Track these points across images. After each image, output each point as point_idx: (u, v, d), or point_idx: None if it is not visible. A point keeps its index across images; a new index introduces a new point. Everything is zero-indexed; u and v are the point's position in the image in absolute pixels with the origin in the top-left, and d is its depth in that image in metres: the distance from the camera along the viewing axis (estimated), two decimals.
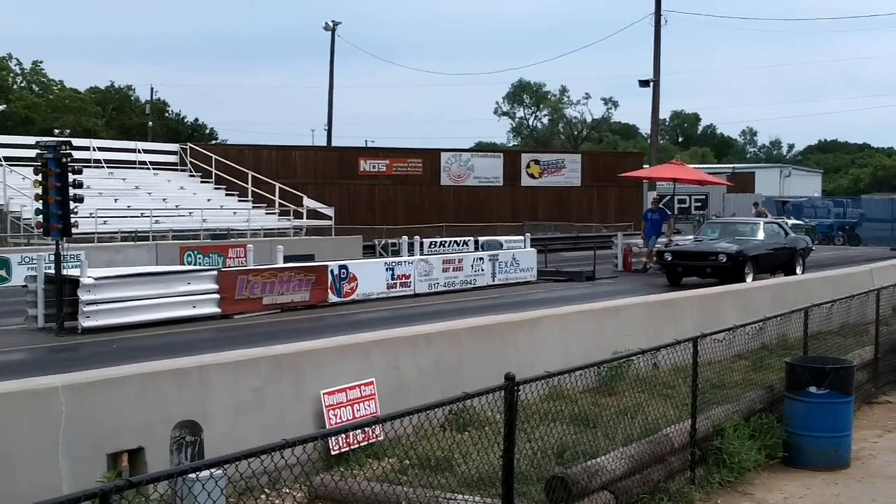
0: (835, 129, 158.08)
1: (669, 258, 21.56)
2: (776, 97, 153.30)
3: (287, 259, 19.06)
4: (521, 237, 26.32)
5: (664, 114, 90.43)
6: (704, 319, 11.99)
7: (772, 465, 7.95)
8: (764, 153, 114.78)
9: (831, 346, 10.89)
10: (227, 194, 36.73)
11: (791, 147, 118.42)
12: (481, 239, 28.13)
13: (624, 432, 7.31)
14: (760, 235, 22.25)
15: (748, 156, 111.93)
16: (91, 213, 26.56)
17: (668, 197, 29.44)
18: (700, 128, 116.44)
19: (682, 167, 30.61)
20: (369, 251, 29.67)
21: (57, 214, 14.27)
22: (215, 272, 16.86)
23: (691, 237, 25.98)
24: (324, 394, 7.68)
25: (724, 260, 20.47)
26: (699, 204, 41.62)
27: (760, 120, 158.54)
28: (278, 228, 34.33)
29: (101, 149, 37.23)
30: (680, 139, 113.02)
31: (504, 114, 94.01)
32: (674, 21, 54.43)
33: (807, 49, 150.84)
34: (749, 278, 20.02)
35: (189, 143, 41.61)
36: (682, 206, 39.87)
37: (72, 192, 14.35)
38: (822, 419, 7.99)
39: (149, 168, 37.54)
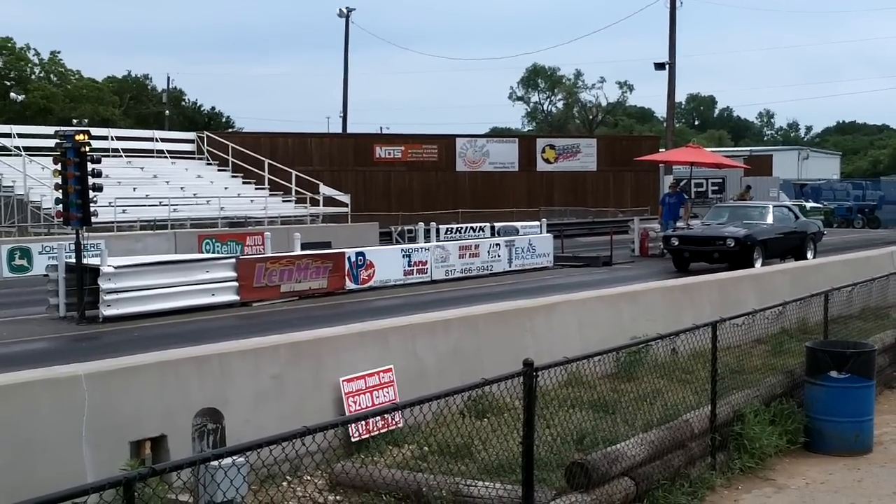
0: (853, 110, 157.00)
1: (676, 243, 21.21)
2: (793, 79, 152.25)
3: (304, 246, 19.13)
4: (537, 222, 26.27)
5: (680, 97, 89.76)
6: (723, 304, 11.94)
7: (793, 450, 7.92)
8: (781, 136, 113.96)
9: (852, 330, 10.82)
10: (243, 182, 36.86)
11: (809, 129, 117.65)
12: (497, 225, 28.13)
13: (643, 418, 7.30)
14: (769, 219, 21.75)
15: (765, 138, 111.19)
16: (110, 203, 26.70)
17: (685, 181, 29.19)
18: (716, 111, 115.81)
19: (699, 150, 30.37)
20: (386, 238, 29.71)
21: (76, 204, 14.34)
22: (233, 260, 16.95)
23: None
24: (343, 381, 7.71)
25: (733, 245, 20.08)
26: (716, 188, 41.34)
27: (777, 102, 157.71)
28: (295, 216, 34.42)
29: (119, 138, 37.44)
30: (696, 122, 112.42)
31: (519, 99, 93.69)
32: (689, 3, 54.07)
33: (824, 30, 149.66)
34: (758, 263, 19.70)
35: (206, 132, 41.76)
36: (699, 189, 39.57)
37: (91, 181, 14.41)
38: (843, 404, 7.93)
39: (166, 157, 37.72)
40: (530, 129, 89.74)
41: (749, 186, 32.66)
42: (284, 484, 6.53)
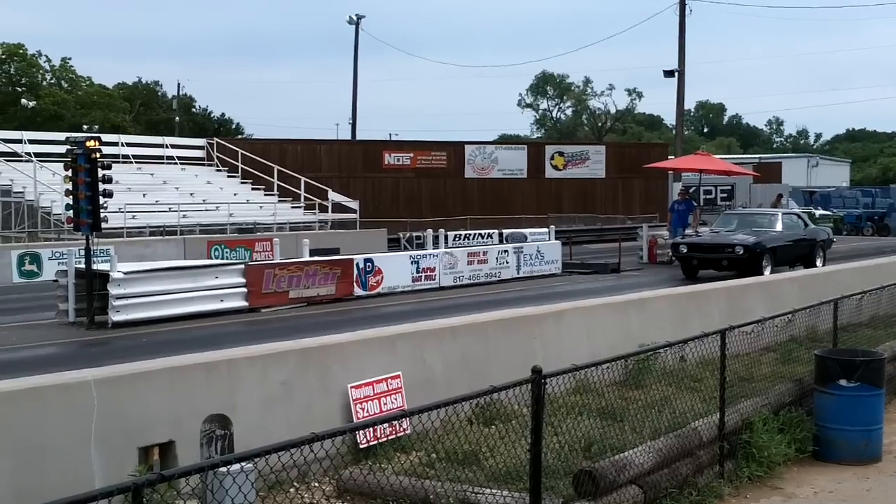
0: (863, 117, 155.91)
1: (685, 250, 21.17)
2: (803, 86, 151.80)
3: (313, 253, 19.16)
4: (546, 229, 26.24)
5: (689, 104, 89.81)
6: (732, 312, 11.91)
7: (802, 459, 7.89)
8: (791, 143, 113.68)
9: (861, 338, 10.79)
10: (253, 188, 36.94)
11: (818, 136, 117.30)
12: (506, 231, 28.11)
13: (651, 426, 7.29)
14: (778, 227, 21.68)
15: (774, 146, 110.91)
16: (120, 208, 26.78)
17: (694, 188, 29.18)
18: (725, 118, 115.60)
19: (708, 158, 30.35)
20: (394, 244, 29.73)
21: (87, 210, 14.41)
22: (242, 266, 16.98)
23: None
24: (351, 387, 7.72)
25: (741, 252, 20.01)
26: (725, 195, 41.31)
27: (787, 109, 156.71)
28: (304, 222, 34.45)
29: (129, 144, 37.57)
30: (705, 129, 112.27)
31: (527, 106, 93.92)
32: (699, 10, 54.23)
33: (834, 37, 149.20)
34: (767, 271, 19.65)
35: (216, 138, 41.87)
36: (708, 196, 39.54)
37: (101, 187, 14.47)
38: (852, 412, 7.91)
39: (176, 163, 37.84)
40: (539, 136, 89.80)
41: (781, 195, 32.60)
42: (292, 490, 6.54)
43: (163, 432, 6.60)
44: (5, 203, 29.16)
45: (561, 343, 10.12)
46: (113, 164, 16.42)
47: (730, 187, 41.37)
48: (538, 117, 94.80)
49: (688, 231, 24.31)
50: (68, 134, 21.74)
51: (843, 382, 7.94)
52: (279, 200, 35.72)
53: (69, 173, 14.63)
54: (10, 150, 32.69)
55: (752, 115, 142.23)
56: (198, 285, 15.72)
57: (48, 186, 28.25)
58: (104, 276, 14.54)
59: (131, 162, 35.79)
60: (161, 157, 37.79)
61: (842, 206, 46.86)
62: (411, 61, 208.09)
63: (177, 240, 26.69)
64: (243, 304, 16.24)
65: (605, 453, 6.56)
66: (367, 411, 7.69)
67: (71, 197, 14.69)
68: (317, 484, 6.69)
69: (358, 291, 18.31)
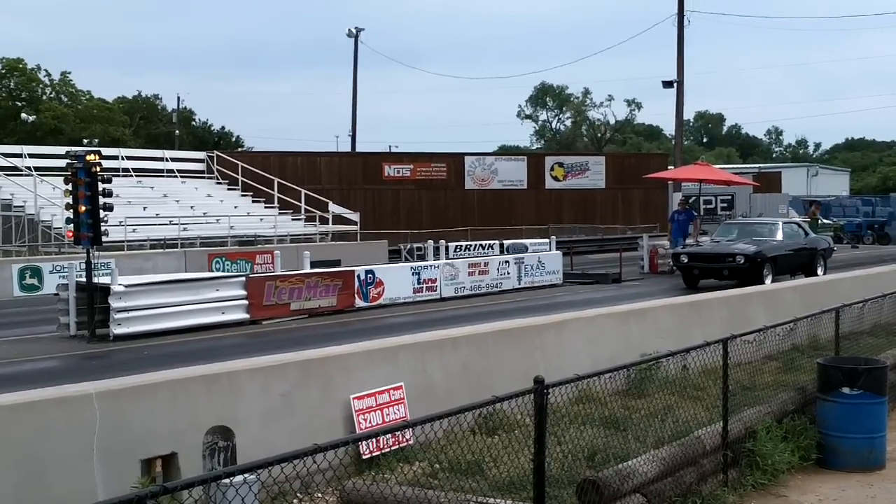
0: (862, 127, 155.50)
1: (686, 260, 21.22)
2: (802, 96, 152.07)
3: (314, 265, 19.16)
4: (547, 240, 26.26)
5: (688, 114, 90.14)
6: (733, 321, 11.89)
7: (805, 467, 7.87)
8: (790, 152, 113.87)
9: (863, 346, 10.78)
10: (253, 201, 36.99)
11: (818, 146, 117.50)
12: (506, 242, 28.14)
13: (654, 435, 7.27)
14: (779, 236, 21.75)
15: (774, 155, 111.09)
16: (120, 222, 26.83)
17: (694, 198, 29.23)
18: (725, 128, 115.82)
19: (708, 168, 30.37)
20: (395, 256, 29.74)
21: (87, 223, 14.42)
22: (243, 278, 16.98)
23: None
24: (353, 398, 7.71)
25: (742, 261, 20.06)
26: (725, 205, 41.35)
27: (786, 119, 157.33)
28: (304, 234, 34.50)
29: (129, 157, 37.67)
30: (704, 140, 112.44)
31: (527, 117, 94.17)
32: (697, 21, 54.41)
33: (833, 47, 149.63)
34: (768, 280, 19.69)
35: (216, 151, 41.97)
36: (708, 206, 39.55)
37: (101, 200, 14.50)
38: (855, 420, 7.90)
39: (176, 176, 37.91)
40: (539, 147, 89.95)
41: (819, 203, 32.58)
42: (295, 501, 6.52)
43: (165, 445, 6.58)
44: (6, 217, 29.21)
45: (562, 353, 10.11)
46: (113, 178, 16.46)
47: (730, 197, 41.39)
48: (538, 128, 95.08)
49: (688, 241, 24.32)
50: (68, 148, 21.79)
51: (845, 390, 7.93)
52: (280, 213, 35.76)
53: (69, 187, 14.66)
54: (10, 165, 32.76)
55: (752, 125, 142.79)
56: (199, 298, 15.72)
57: (48, 200, 28.28)
58: (105, 290, 14.54)
59: (131, 175, 35.86)
60: (161, 171, 37.88)
61: (842, 215, 46.87)
62: (411, 73, 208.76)
63: (177, 253, 26.70)
64: (245, 316, 16.24)
65: (609, 462, 6.55)
66: (370, 422, 7.68)
67: (71, 211, 14.71)
68: (320, 495, 6.67)
69: (359, 303, 18.31)
